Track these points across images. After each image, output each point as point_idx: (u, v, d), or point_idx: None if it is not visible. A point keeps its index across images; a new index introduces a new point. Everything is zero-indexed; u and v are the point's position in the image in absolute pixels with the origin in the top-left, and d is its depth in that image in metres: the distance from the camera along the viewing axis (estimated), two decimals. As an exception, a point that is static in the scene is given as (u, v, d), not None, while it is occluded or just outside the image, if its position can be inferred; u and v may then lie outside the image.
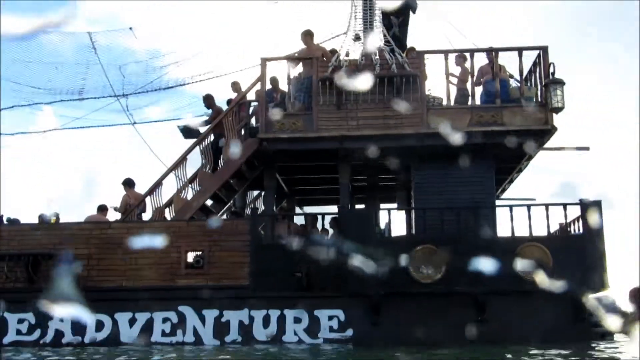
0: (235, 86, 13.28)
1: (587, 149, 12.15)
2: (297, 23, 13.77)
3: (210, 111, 13.38)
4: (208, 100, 13.48)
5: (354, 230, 11.01)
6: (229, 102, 13.24)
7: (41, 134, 15.92)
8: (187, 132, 13.58)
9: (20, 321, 11.15)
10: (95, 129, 15.66)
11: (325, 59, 12.34)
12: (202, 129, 12.95)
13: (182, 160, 12.37)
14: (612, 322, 10.41)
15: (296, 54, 12.88)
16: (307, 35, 12.78)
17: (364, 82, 11.18)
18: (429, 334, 9.82)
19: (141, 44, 15.59)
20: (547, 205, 11.10)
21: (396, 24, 15.03)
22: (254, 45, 14.52)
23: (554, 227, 11.64)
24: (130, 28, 15.51)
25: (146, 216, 12.62)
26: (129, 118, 15.15)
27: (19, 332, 11.12)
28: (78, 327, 10.98)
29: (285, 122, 11.77)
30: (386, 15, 15.12)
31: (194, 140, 12.73)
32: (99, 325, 11.02)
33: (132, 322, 11.01)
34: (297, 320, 10.82)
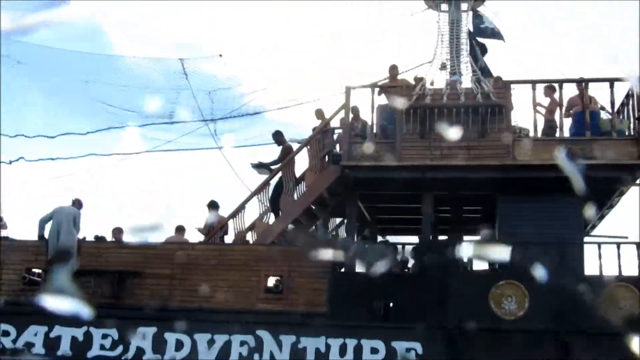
0: (319, 113, 13.36)
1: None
2: (381, 54, 13.77)
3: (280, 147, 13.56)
4: (277, 137, 13.60)
5: (434, 261, 10.85)
6: (314, 129, 13.32)
7: (134, 155, 16.39)
8: (259, 167, 13.74)
9: (104, 336, 11.42)
10: (183, 152, 15.97)
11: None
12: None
13: (265, 185, 12.52)
14: None
15: (380, 83, 12.91)
16: (394, 70, 13.07)
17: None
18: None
19: (229, 71, 15.90)
20: (638, 244, 10.70)
21: (483, 54, 14.94)
22: (339, 73, 14.49)
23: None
24: (220, 55, 15.86)
25: (228, 239, 12.78)
26: (216, 142, 15.43)
27: (102, 347, 11.36)
28: (158, 346, 11.18)
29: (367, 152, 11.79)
30: (473, 46, 15.02)
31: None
32: (179, 345, 11.16)
33: (210, 343, 11.06)
34: (374, 350, 10.66)
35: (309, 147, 12.60)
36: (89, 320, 11.41)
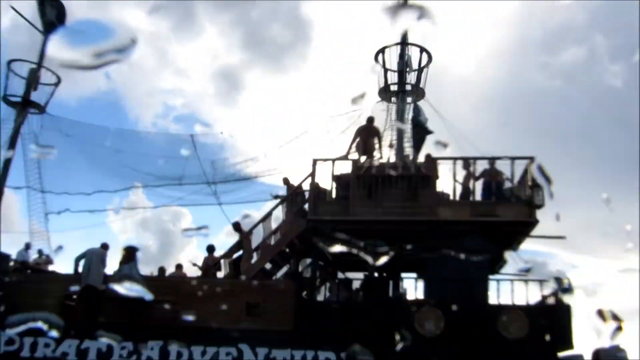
0: (285, 181, 14.60)
1: (564, 237, 13.01)
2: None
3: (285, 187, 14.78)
4: (285, 181, 14.81)
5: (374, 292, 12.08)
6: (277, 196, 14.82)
7: (154, 209, 17.62)
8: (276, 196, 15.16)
9: (123, 348, 12.57)
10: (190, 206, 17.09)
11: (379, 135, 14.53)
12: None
13: (249, 233, 13.82)
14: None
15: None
16: (372, 122, 14.79)
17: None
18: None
19: (229, 143, 17.33)
20: (526, 281, 12.02)
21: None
22: (310, 147, 15.97)
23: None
24: (222, 132, 17.45)
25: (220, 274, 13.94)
26: (216, 199, 16.65)
27: (121, 357, 12.47)
28: (163, 356, 12.32)
29: (327, 208, 13.17)
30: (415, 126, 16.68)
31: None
32: (179, 355, 12.27)
33: (203, 354, 12.05)
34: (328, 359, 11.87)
35: (283, 206, 13.93)
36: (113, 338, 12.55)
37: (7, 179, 16.55)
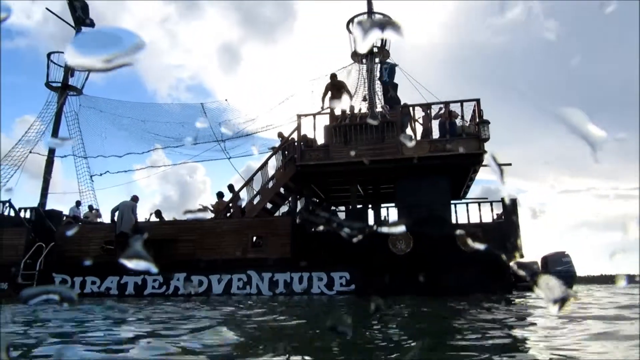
0: (280, 135, 13.39)
1: (509, 164, 11.75)
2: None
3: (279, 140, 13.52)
4: (280, 135, 13.58)
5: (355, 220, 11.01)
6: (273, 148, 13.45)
7: (175, 165, 16.52)
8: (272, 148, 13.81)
9: (154, 281, 11.70)
10: (205, 161, 16.06)
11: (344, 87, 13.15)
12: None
13: (250, 180, 12.66)
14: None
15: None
16: (334, 77, 13.28)
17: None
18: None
19: (232, 108, 16.05)
20: (479, 203, 10.87)
21: (393, 89, 15.08)
22: (300, 103, 14.53)
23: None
24: (226, 99, 16.06)
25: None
26: (225, 154, 15.53)
27: (153, 287, 11.68)
28: (187, 284, 11.46)
29: (312, 154, 11.94)
30: (385, 86, 15.18)
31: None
32: (200, 283, 11.44)
33: (219, 280, 11.34)
34: (319, 278, 10.93)
35: (276, 156, 12.71)
36: (145, 272, 11.71)
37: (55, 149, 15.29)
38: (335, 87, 12.99)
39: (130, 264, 1.80)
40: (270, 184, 12.58)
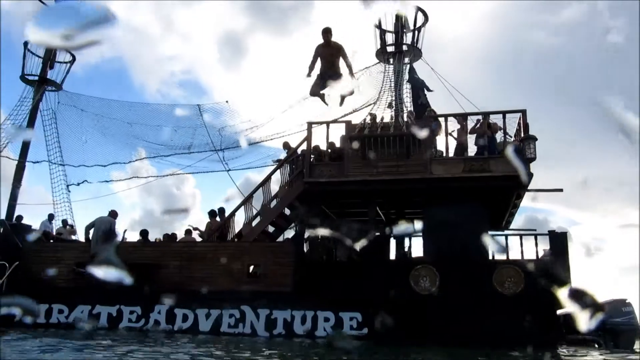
0: (286, 145, 13.28)
1: (560, 190, 11.41)
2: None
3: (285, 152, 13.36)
4: (286, 145, 13.46)
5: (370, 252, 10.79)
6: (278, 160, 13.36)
7: (164, 177, 16.52)
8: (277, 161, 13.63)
9: (131, 312, 11.57)
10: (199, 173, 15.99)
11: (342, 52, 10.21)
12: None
13: (250, 197, 12.53)
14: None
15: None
16: (327, 33, 10.06)
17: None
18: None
19: (234, 112, 16.03)
20: (521, 235, 10.54)
21: (424, 94, 14.92)
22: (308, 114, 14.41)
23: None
24: (227, 101, 16.06)
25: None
26: (224, 166, 15.43)
27: (130, 320, 11.53)
28: (170, 319, 11.28)
29: (323, 170, 11.76)
30: (415, 88, 15.02)
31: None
32: (185, 318, 11.27)
33: (207, 316, 11.15)
34: (325, 319, 10.68)
35: (280, 170, 12.58)
36: (120, 301, 11.60)
37: (27, 154, 15.42)
38: (332, 53, 9.98)
39: (100, 272, 1.66)
40: (274, 203, 12.45)
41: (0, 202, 14.30)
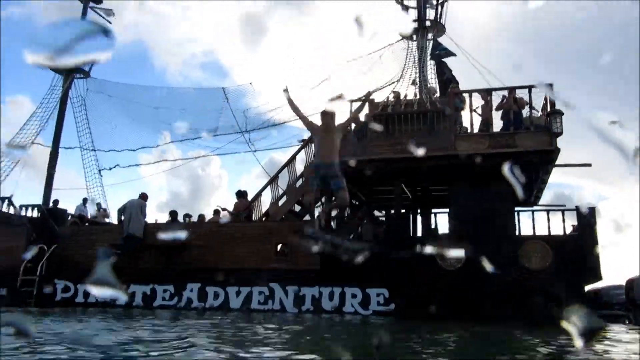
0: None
1: (589, 165, 11.22)
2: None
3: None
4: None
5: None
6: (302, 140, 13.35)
7: (193, 159, 16.77)
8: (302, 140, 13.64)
9: (165, 291, 11.92)
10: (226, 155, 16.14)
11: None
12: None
13: (275, 177, 12.64)
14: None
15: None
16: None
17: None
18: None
19: (258, 94, 16.09)
20: (548, 211, 10.41)
21: (449, 69, 14.73)
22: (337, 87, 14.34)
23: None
24: (251, 83, 16.13)
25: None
26: (250, 147, 15.56)
27: (163, 298, 11.89)
28: (202, 296, 11.59)
29: (346, 148, 11.71)
30: (439, 64, 14.83)
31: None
32: (216, 295, 11.56)
33: (237, 293, 11.42)
34: (353, 295, 10.81)
35: (305, 149, 12.62)
36: (153, 280, 11.92)
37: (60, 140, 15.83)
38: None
39: (94, 290, 1.74)
40: (299, 183, 12.54)
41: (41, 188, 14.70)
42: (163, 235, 11.47)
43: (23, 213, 13.90)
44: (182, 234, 11.35)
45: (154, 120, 15.73)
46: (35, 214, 13.99)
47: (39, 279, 12.45)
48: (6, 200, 13.99)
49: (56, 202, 14.96)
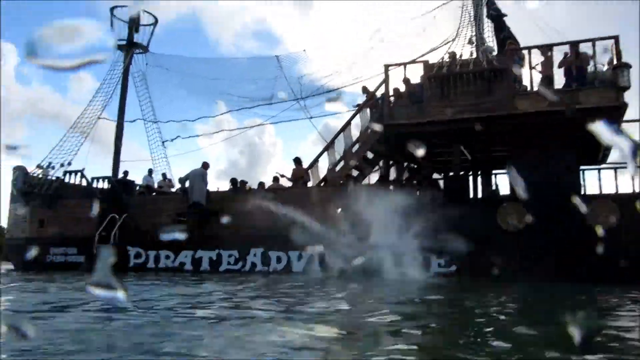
0: (364, 89, 13.22)
1: (659, 118, 10.68)
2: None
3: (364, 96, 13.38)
4: (365, 90, 13.46)
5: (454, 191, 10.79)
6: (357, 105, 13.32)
7: (250, 128, 17.05)
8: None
9: (230, 256, 12.35)
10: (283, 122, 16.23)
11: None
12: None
13: (331, 143, 12.72)
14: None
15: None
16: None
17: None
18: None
19: (312, 61, 16.06)
20: (615, 169, 10.05)
21: (507, 26, 14.20)
22: (386, 57, 14.16)
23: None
24: (304, 50, 16.10)
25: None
26: (306, 114, 15.58)
27: (229, 263, 12.37)
28: (265, 261, 11.97)
29: (402, 112, 11.65)
30: (497, 20, 14.31)
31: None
32: (278, 259, 11.92)
33: (299, 257, 11.71)
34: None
35: (360, 113, 12.61)
36: (219, 245, 12.35)
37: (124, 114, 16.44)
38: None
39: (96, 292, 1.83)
40: (355, 148, 12.58)
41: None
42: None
43: (95, 185, 14.65)
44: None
45: (211, 91, 16.07)
46: (106, 185, 14.71)
47: (112, 247, 13.17)
48: (79, 174, 14.76)
49: (126, 173, 15.64)
